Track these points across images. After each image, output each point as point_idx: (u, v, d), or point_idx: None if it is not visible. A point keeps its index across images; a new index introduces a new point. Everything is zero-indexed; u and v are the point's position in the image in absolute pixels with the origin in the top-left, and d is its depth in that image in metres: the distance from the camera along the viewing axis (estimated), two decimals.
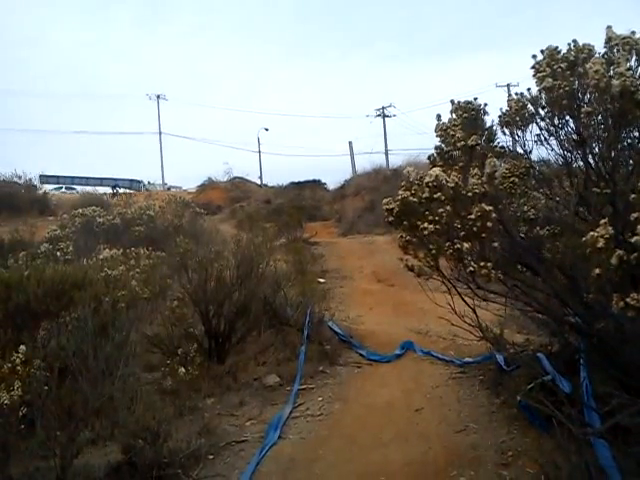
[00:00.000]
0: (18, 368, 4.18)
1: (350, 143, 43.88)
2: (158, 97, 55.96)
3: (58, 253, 13.01)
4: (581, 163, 4.17)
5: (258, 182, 46.72)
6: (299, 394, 7.23)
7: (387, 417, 6.34)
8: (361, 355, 8.86)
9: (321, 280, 14.95)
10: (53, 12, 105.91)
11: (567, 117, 4.07)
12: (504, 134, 4.62)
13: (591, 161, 4.03)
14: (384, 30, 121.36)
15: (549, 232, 4.19)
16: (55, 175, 47.07)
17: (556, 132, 4.19)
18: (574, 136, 4.08)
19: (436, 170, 4.00)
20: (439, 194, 3.95)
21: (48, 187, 41.47)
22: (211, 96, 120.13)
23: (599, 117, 3.90)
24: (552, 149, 4.37)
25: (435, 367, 8.05)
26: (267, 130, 53.90)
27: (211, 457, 5.54)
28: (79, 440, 4.81)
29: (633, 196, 2.61)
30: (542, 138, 4.35)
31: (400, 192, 4.28)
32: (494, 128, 4.66)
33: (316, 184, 38.40)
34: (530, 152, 4.63)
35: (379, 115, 51.85)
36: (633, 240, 2.35)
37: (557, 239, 3.96)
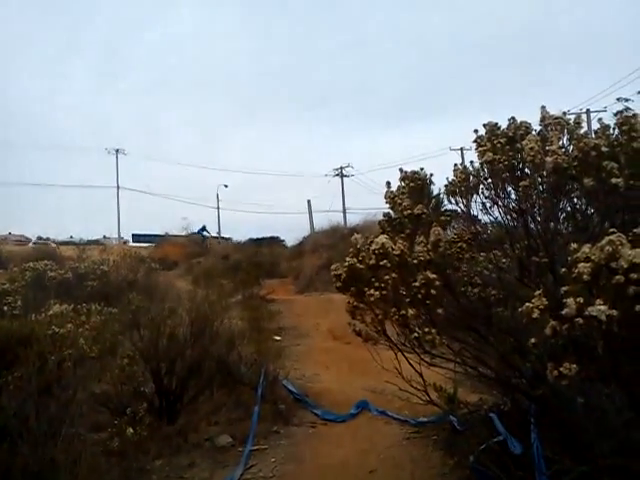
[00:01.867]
0: None
1: (309, 201, 44.46)
2: (117, 151, 55.83)
3: (5, 307, 12.56)
4: (522, 232, 4.36)
5: (216, 237, 46.55)
6: (251, 455, 7.06)
7: (341, 479, 6.23)
8: (316, 415, 8.74)
9: (277, 338, 14.82)
10: (4, 58, 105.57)
11: (508, 188, 4.29)
12: (450, 202, 4.81)
13: (531, 230, 4.24)
14: (339, 91, 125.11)
15: (494, 297, 4.32)
16: (147, 234, 46.83)
17: (498, 202, 4.40)
18: (514, 206, 4.29)
19: (382, 237, 4.13)
20: (385, 261, 4.07)
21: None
22: (170, 152, 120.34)
23: (537, 190, 4.13)
24: (495, 217, 4.57)
25: (390, 427, 8.00)
26: (226, 187, 54.11)
27: None
28: None
29: (563, 270, 2.75)
30: (486, 207, 4.55)
31: (347, 258, 4.39)
32: (441, 196, 4.85)
33: (274, 241, 38.55)
34: (476, 219, 4.83)
35: (337, 175, 52.87)
36: (563, 312, 2.46)
37: (502, 304, 4.10)
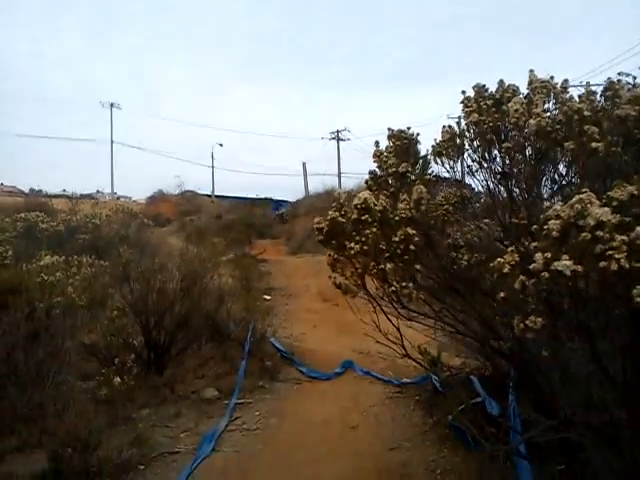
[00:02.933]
0: None
1: (304, 164, 44.19)
2: (112, 105, 54.87)
3: None
4: (505, 195, 4.40)
5: (210, 196, 46.35)
6: (237, 408, 7.22)
7: (323, 434, 6.38)
8: (301, 372, 8.90)
9: (267, 297, 14.96)
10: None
11: (494, 151, 4.30)
12: (436, 163, 4.82)
13: (513, 193, 4.27)
14: (339, 54, 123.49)
15: (475, 259, 4.38)
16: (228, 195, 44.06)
17: (483, 164, 4.42)
18: (499, 168, 4.31)
19: (365, 193, 4.17)
20: (367, 216, 4.11)
21: None
22: (166, 109, 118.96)
23: (520, 153, 4.15)
24: (482, 180, 4.59)
25: (374, 386, 8.15)
26: (221, 146, 53.50)
27: (142, 467, 5.46)
28: (3, 447, 4.68)
29: (535, 227, 2.80)
30: (472, 170, 4.57)
31: (330, 212, 4.44)
32: (429, 157, 4.86)
33: (268, 202, 38.45)
34: (462, 182, 4.86)
35: (333, 138, 52.37)
36: (530, 267, 2.52)
37: (482, 266, 4.15)
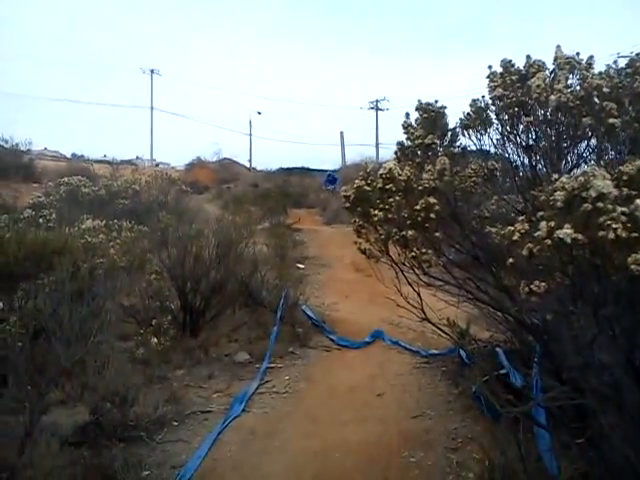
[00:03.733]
0: None
1: (341, 133, 44.03)
2: (152, 71, 55.40)
3: (41, 220, 13.03)
4: (529, 168, 4.44)
5: (247, 165, 46.64)
6: (267, 372, 7.46)
7: (349, 399, 6.58)
8: (331, 340, 9.09)
9: (300, 266, 15.15)
10: None
11: (518, 125, 4.34)
12: (464, 136, 4.87)
13: (538, 167, 4.32)
14: (380, 23, 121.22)
15: (497, 229, 4.46)
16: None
17: (510, 137, 4.45)
18: (522, 142, 4.35)
19: (390, 163, 4.29)
20: (391, 185, 4.23)
21: None
22: (205, 76, 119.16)
23: (542, 127, 4.17)
24: (507, 153, 4.63)
25: (402, 356, 8.30)
26: (260, 114, 53.90)
27: (175, 424, 5.76)
28: (48, 398, 4.97)
29: (542, 197, 2.87)
30: (500, 143, 4.61)
31: (356, 181, 4.58)
32: (457, 130, 4.91)
33: (305, 171, 38.52)
34: (488, 154, 4.90)
35: (372, 108, 51.90)
36: (535, 234, 2.60)
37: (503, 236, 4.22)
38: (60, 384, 5.65)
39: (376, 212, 4.41)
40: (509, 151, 4.60)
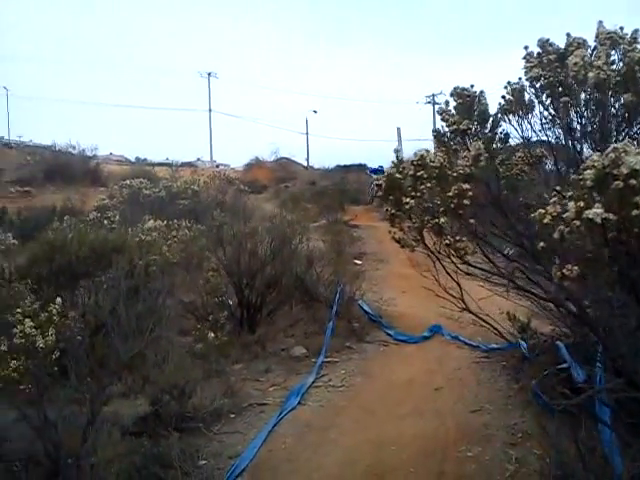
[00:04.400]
0: (54, 318, 4.50)
1: (398, 129, 43.42)
2: (209, 74, 56.37)
3: (105, 221, 13.51)
4: (572, 149, 4.25)
5: (304, 163, 46.91)
6: (323, 366, 7.46)
7: (406, 393, 6.50)
8: (389, 335, 9.01)
9: (357, 262, 15.09)
10: None
11: (558, 105, 4.15)
12: (504, 122, 4.71)
13: (575, 146, 4.12)
14: (434, 16, 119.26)
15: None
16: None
17: (550, 120, 4.27)
18: (564, 123, 4.15)
19: (422, 150, 4.19)
20: (422, 172, 4.14)
21: None
22: (261, 77, 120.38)
23: (580, 106, 3.98)
24: (549, 137, 4.45)
25: (461, 351, 8.14)
26: (315, 112, 53.71)
27: (232, 416, 5.86)
28: (110, 390, 5.14)
29: (573, 176, 2.72)
30: (542, 126, 4.44)
31: (388, 169, 4.51)
32: (498, 116, 4.75)
33: (361, 168, 38.35)
34: (529, 140, 4.72)
35: (429, 102, 51.13)
36: (564, 215, 2.47)
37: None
38: (122, 377, 5.82)
39: (408, 200, 4.34)
40: (550, 134, 4.41)
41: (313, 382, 6.86)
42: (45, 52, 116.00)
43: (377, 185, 4.62)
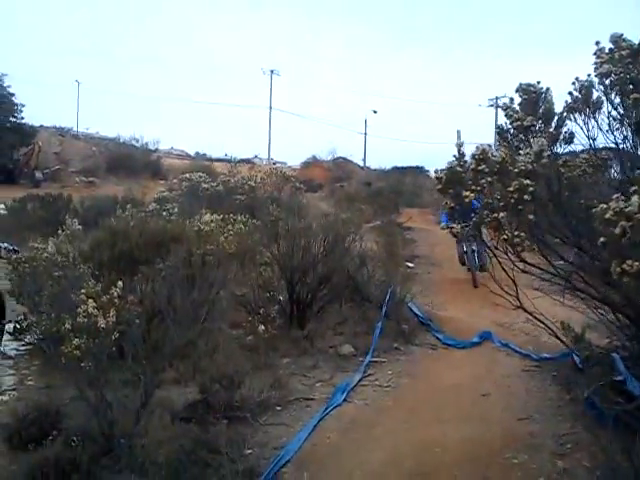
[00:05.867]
0: (115, 300, 4.70)
1: (458, 132, 42.83)
2: (272, 72, 57.13)
3: (164, 213, 13.88)
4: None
5: (361, 164, 46.90)
6: (370, 365, 7.48)
7: (452, 397, 6.45)
8: (437, 338, 8.94)
9: (410, 264, 15.02)
10: None
11: (629, 103, 4.03)
12: (570, 120, 4.62)
13: None
14: (497, 18, 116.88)
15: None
16: None
17: (618, 119, 4.16)
18: (632, 122, 4.04)
19: (484, 144, 4.17)
20: (484, 166, 4.11)
21: None
22: (321, 76, 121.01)
23: None
24: (616, 136, 4.34)
25: (510, 359, 8.01)
26: (375, 112, 53.72)
27: (279, 408, 5.96)
28: (163, 375, 5.32)
29: (638, 172, 2.66)
30: (609, 126, 4.32)
31: (448, 162, 4.51)
32: (563, 115, 4.66)
33: (419, 170, 38.08)
34: (595, 140, 4.61)
35: (491, 105, 50.22)
36: (626, 210, 2.41)
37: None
38: (174, 364, 6.01)
39: (468, 193, 4.35)
40: (617, 135, 4.30)
41: (359, 380, 6.89)
42: (113, 47, 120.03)
43: (437, 178, 4.62)
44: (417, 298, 10.41)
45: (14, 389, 6.44)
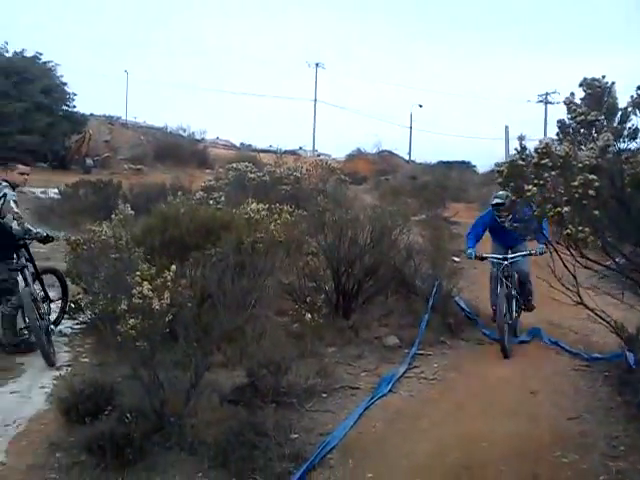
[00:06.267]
0: (168, 283, 4.80)
1: (506, 127, 42.15)
2: (317, 65, 57.21)
3: (211, 201, 14.07)
4: None
5: (406, 157, 46.58)
6: (416, 358, 7.44)
7: (500, 393, 6.36)
8: (484, 334, 8.82)
9: (456, 259, 14.81)
10: None
11: None
12: (635, 115, 4.48)
13: None
14: (547, 10, 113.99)
15: None
16: None
17: None
18: None
19: (547, 139, 4.09)
20: (547, 160, 4.04)
21: None
22: (367, 69, 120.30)
23: None
24: None
25: (560, 357, 7.85)
26: (421, 107, 53.33)
27: (324, 395, 5.99)
28: (212, 358, 5.42)
29: None
30: None
31: (510, 155, 4.44)
32: (628, 110, 4.52)
33: (465, 165, 37.60)
34: None
35: (541, 101, 49.17)
36: None
37: None
38: (222, 348, 6.10)
39: (530, 187, 4.29)
40: None
41: (405, 372, 6.86)
42: (161, 38, 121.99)
43: (497, 171, 4.56)
44: (463, 293, 10.27)
45: (70, 365, 6.65)
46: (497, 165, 4.60)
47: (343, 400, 5.97)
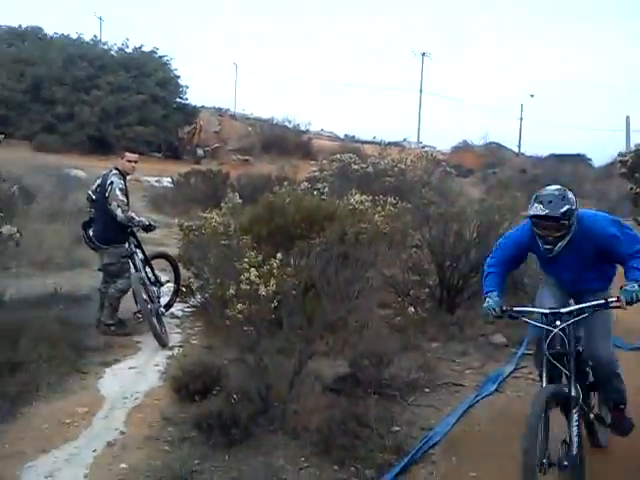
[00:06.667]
0: (274, 271, 4.89)
1: (627, 118, 39.49)
2: (423, 55, 56.20)
3: (315, 192, 14.23)
4: None
5: (515, 150, 44.88)
6: (524, 358, 7.13)
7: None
8: None
9: None
10: None
11: None
12: None
13: None
14: None
15: None
16: None
17: None
18: None
19: None
20: None
21: None
22: (475, 59, 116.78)
23: None
24: None
25: None
26: (532, 97, 51.24)
27: (427, 390, 5.87)
28: (315, 347, 5.46)
29: None
30: None
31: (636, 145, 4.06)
32: None
33: (579, 159, 35.69)
34: None
35: None
36: None
37: None
38: (324, 337, 6.15)
39: None
40: None
41: (512, 372, 6.60)
42: (269, 30, 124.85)
43: (621, 162, 4.23)
44: None
45: (181, 346, 6.99)
46: (620, 155, 4.25)
47: (446, 396, 5.83)
